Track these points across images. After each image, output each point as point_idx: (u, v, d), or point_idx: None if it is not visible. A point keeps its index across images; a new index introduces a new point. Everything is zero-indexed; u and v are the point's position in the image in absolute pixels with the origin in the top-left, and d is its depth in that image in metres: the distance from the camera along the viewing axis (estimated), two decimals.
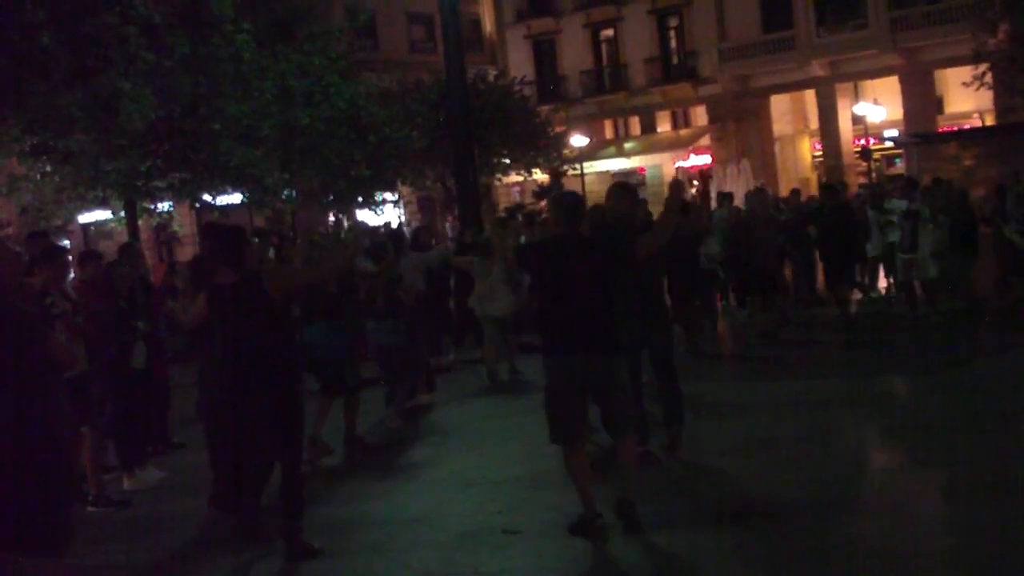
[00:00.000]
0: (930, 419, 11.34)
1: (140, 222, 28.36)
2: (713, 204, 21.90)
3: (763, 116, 48.97)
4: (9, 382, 6.46)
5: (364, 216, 37.21)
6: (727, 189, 30.60)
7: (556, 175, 43.06)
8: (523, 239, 16.18)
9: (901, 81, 44.44)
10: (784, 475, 9.51)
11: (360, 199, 33.44)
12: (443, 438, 12.51)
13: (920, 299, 18.63)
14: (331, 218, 35.22)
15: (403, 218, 44.19)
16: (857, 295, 20.21)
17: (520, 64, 51.03)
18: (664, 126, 53.27)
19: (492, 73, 43.06)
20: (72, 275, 11.38)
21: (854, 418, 11.83)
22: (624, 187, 10.45)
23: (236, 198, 29.59)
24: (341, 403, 11.90)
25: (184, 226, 34.77)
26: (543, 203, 39.52)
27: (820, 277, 19.43)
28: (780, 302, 18.51)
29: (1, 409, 6.44)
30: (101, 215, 32.90)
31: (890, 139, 45.36)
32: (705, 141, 50.10)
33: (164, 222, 30.84)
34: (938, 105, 45.89)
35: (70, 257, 11.49)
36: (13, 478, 6.47)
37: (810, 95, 48.18)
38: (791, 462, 9.94)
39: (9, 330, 6.51)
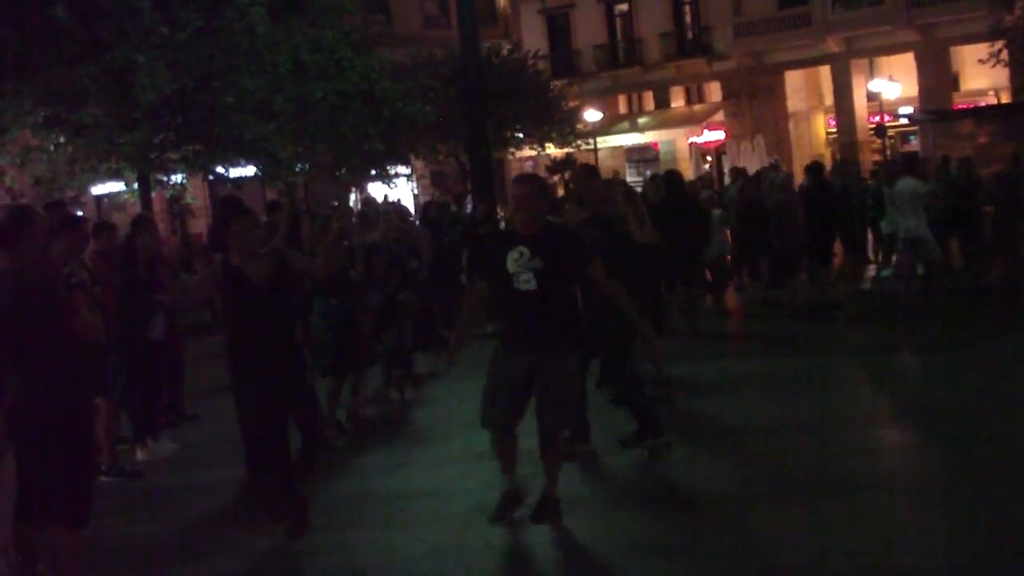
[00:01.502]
0: (932, 400, 11.38)
1: (153, 194, 28.39)
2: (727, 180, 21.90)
3: (777, 92, 48.78)
4: (36, 353, 6.50)
5: (377, 190, 37.23)
6: (740, 165, 30.63)
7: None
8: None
9: (917, 58, 44.21)
10: (783, 454, 9.56)
11: (373, 173, 33.44)
12: (453, 412, 12.54)
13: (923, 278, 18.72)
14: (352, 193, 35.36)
15: (417, 192, 44.19)
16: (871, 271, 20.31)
17: (534, 38, 50.83)
18: (678, 101, 53.13)
19: (506, 47, 42.90)
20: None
21: (858, 397, 11.87)
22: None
23: (249, 171, 29.60)
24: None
25: (197, 198, 34.80)
26: (556, 177, 39.53)
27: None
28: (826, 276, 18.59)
29: (27, 380, 6.48)
30: (114, 187, 32.94)
31: (905, 116, 45.23)
32: (719, 117, 49.96)
33: (177, 194, 30.86)
34: (954, 82, 45.68)
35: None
36: (39, 450, 6.51)
37: (825, 71, 47.93)
38: (791, 441, 9.99)
39: (36, 300, 6.54)
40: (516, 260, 7.86)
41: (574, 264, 8.02)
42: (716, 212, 18.30)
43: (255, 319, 8.25)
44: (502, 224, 18.84)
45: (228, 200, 13.66)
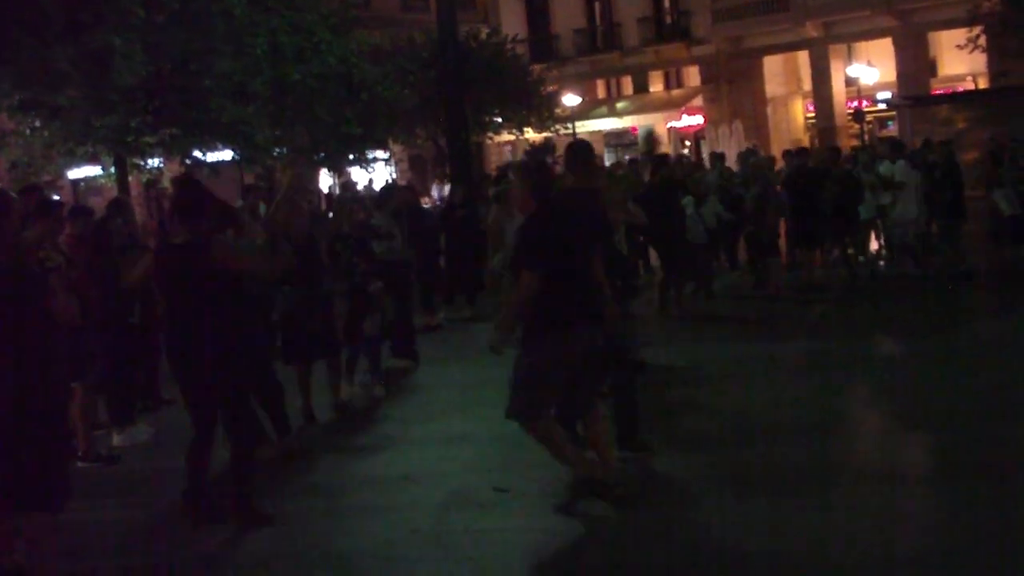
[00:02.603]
0: (916, 382, 11.42)
1: (130, 178, 28.24)
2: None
3: (756, 77, 48.82)
4: (10, 337, 6.45)
5: (356, 174, 37.14)
6: (719, 150, 30.64)
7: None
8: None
9: (895, 43, 44.26)
10: (780, 439, 9.58)
11: (351, 157, 33.34)
12: (431, 397, 12.53)
13: (908, 261, 18.85)
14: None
15: (394, 176, 44.08)
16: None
17: (513, 22, 50.72)
18: (657, 86, 53.15)
19: (484, 31, 42.77)
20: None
21: (845, 380, 11.89)
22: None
23: (227, 155, 29.46)
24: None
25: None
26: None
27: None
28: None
29: (1, 366, 6.44)
30: (91, 171, 32.73)
31: (883, 101, 45.36)
32: (697, 102, 50.03)
33: (154, 178, 30.71)
34: (931, 68, 45.76)
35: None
36: (14, 435, 6.47)
37: (803, 56, 48.00)
38: (785, 424, 10.01)
39: (10, 285, 6.49)
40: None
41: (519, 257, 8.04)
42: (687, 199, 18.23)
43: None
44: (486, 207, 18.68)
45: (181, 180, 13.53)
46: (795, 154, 19.68)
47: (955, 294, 17.14)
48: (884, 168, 19.27)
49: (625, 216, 11.46)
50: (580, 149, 9.18)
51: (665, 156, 21.23)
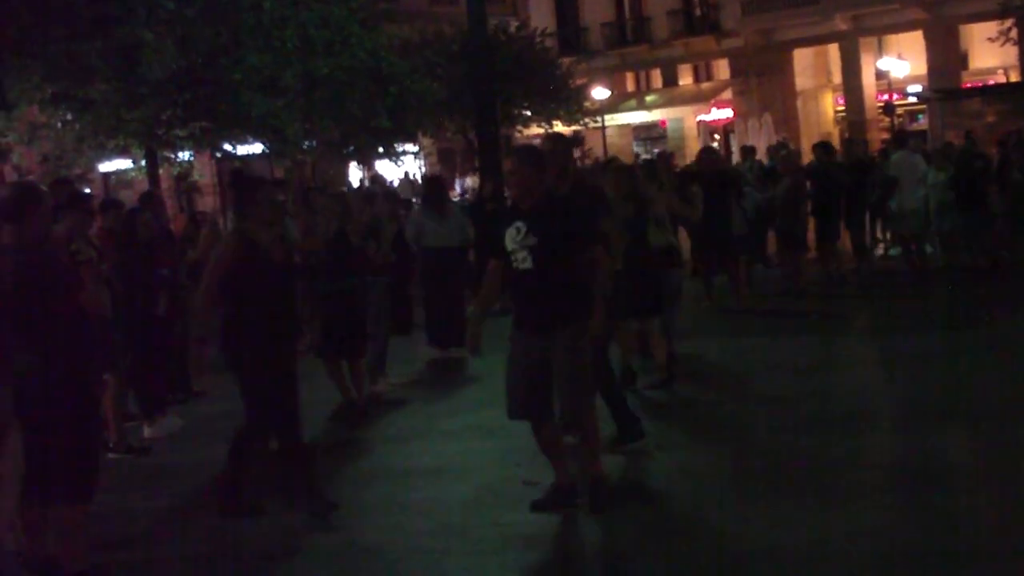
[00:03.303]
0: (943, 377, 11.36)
1: (160, 171, 28.37)
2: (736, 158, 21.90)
3: (786, 70, 48.56)
4: (40, 330, 6.50)
5: (384, 168, 37.18)
6: (749, 143, 30.56)
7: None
8: None
9: (925, 36, 43.98)
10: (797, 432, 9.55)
11: (381, 150, 33.37)
12: (462, 390, 12.55)
13: (938, 255, 18.80)
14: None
15: (423, 169, 44.12)
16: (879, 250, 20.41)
17: (541, 15, 50.72)
18: (686, 79, 52.96)
19: (513, 24, 42.74)
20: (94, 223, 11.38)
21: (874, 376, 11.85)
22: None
23: (257, 148, 29.55)
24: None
25: (204, 175, 34.75)
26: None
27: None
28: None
29: (32, 357, 6.48)
30: (121, 164, 32.91)
31: (913, 94, 45.01)
32: (727, 95, 49.82)
33: (184, 172, 30.84)
34: (962, 60, 45.42)
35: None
36: (43, 426, 6.52)
37: (833, 49, 47.75)
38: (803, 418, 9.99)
39: (34, 277, 6.54)
40: (513, 237, 7.52)
41: (573, 240, 7.59)
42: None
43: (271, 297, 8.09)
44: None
45: (238, 173, 13.59)
46: (822, 148, 19.55)
47: (963, 289, 17.07)
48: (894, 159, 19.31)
49: (670, 209, 11.51)
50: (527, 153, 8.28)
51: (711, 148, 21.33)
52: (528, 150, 8.36)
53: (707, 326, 15.12)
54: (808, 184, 17.70)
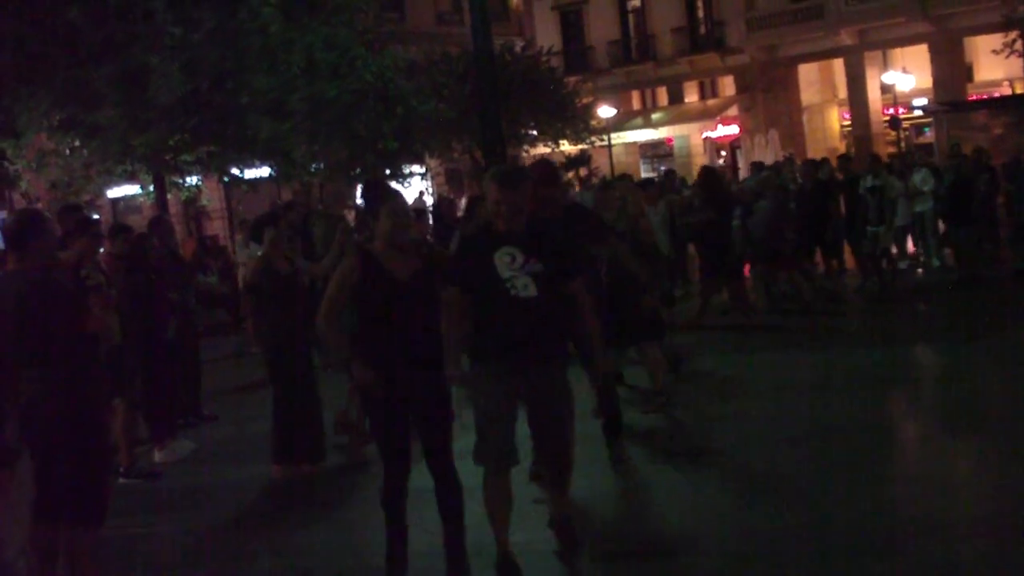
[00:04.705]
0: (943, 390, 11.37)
1: (169, 196, 28.46)
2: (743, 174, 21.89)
3: (791, 86, 48.64)
4: (49, 355, 6.53)
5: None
6: (755, 159, 30.60)
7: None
8: None
9: (930, 49, 44.05)
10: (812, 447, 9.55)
11: (388, 172, 33.46)
12: (466, 409, 12.53)
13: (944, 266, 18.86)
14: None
15: (431, 190, 44.20)
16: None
17: (547, 35, 50.81)
18: (692, 96, 53.05)
19: (519, 44, 42.90)
20: (102, 249, 11.42)
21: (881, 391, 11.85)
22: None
23: (264, 171, 29.64)
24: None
25: (212, 200, 34.88)
26: (571, 174, 39.57)
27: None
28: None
29: (41, 383, 6.51)
30: (130, 189, 33.07)
31: (919, 108, 45.05)
32: (733, 111, 49.88)
33: (192, 196, 30.95)
34: (968, 73, 45.49)
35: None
36: (53, 451, 6.54)
37: (838, 64, 47.78)
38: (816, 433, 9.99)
39: (49, 303, 6.57)
40: (509, 264, 6.94)
41: (571, 265, 7.23)
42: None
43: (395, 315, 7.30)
44: None
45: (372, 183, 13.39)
46: (811, 165, 19.47)
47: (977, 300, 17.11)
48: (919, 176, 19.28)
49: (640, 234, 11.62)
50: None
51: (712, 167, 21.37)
52: (511, 172, 7.55)
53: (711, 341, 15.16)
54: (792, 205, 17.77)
